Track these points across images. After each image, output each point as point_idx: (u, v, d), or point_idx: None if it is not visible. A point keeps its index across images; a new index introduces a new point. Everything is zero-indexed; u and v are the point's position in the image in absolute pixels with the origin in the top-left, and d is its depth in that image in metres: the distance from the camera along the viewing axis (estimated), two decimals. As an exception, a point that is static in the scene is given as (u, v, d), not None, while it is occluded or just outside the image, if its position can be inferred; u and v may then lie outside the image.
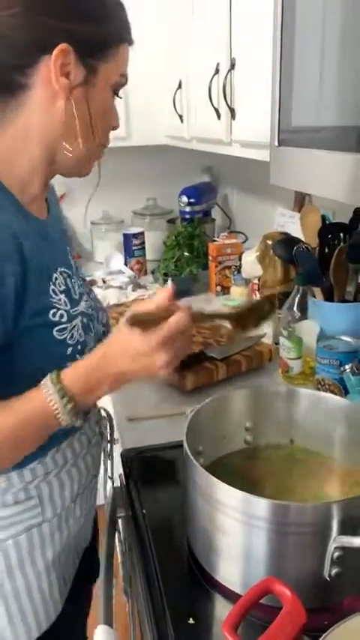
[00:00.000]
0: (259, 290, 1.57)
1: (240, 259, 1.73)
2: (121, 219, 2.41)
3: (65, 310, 0.75)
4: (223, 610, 0.69)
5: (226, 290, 1.88)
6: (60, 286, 0.76)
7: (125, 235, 2.16)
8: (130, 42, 0.76)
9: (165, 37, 1.93)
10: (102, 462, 0.96)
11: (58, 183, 2.43)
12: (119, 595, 0.96)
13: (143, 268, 2.17)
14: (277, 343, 1.37)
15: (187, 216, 2.20)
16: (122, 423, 1.14)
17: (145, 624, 0.68)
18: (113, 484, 1.00)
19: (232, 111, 1.33)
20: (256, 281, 1.60)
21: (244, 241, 2.05)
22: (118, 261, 2.17)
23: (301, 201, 1.69)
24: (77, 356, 0.75)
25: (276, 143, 0.90)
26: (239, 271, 1.73)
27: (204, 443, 0.82)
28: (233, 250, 1.89)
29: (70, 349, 0.75)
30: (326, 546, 0.64)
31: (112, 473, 1.01)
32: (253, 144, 1.23)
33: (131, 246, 2.15)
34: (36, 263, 0.70)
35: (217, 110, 1.41)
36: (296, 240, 1.29)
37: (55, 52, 0.67)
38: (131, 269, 2.12)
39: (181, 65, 1.73)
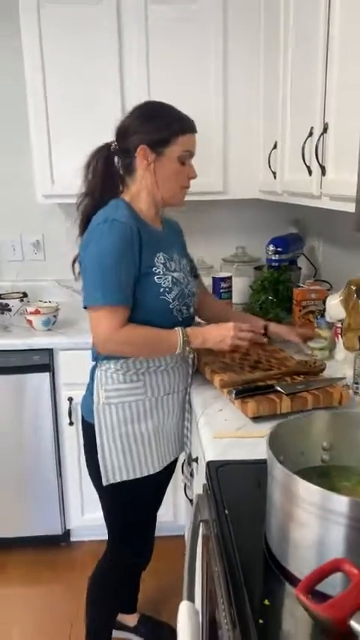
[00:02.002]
0: (342, 333, 1.65)
1: (324, 303, 1.82)
2: (211, 264, 2.60)
3: (162, 270, 1.43)
4: (294, 598, 0.76)
5: (308, 333, 1.96)
6: (161, 260, 1.44)
7: (214, 279, 2.33)
8: (192, 132, 1.44)
9: (262, 103, 2.15)
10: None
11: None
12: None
13: (229, 310, 2.31)
14: (357, 383, 1.44)
15: (274, 264, 2.33)
16: (208, 440, 1.25)
17: (225, 603, 0.77)
18: (190, 497, 1.10)
19: (323, 168, 1.47)
20: (339, 324, 1.68)
21: (329, 289, 2.13)
22: (206, 302, 2.32)
23: (386, 253, 1.77)
24: (166, 294, 1.41)
25: (363, 195, 1.02)
26: (322, 315, 1.82)
27: (284, 454, 0.91)
28: (317, 296, 1.98)
29: (161, 289, 1.41)
30: None
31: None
32: (343, 197, 1.36)
33: (219, 289, 2.31)
34: (146, 242, 1.39)
35: (308, 167, 1.56)
36: (380, 286, 1.37)
37: (138, 150, 1.40)
38: (218, 310, 2.26)
39: (278, 128, 1.92)
